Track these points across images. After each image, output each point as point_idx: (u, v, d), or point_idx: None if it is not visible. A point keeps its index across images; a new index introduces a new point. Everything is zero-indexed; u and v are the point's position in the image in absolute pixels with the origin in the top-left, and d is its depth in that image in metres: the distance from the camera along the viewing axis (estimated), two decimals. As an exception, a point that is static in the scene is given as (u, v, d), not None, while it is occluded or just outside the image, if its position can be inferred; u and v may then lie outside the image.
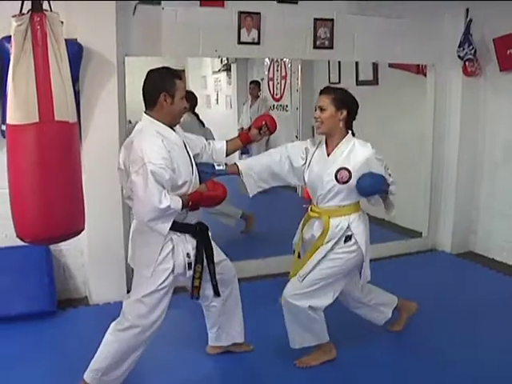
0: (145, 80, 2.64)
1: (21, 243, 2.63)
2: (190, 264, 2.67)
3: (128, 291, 3.15)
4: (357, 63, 6.26)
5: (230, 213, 5.48)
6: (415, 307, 3.47)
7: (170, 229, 2.55)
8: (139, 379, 2.89)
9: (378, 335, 3.40)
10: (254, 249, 5.14)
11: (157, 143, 2.50)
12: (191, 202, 2.60)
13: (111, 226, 3.79)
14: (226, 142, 3.02)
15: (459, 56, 4.77)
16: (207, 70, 9.54)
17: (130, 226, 2.84)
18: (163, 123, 2.62)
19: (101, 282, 3.93)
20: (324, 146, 2.99)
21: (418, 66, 5.32)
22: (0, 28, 2.83)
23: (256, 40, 4.30)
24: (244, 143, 3.04)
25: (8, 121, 2.41)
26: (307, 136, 7.70)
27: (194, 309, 3.12)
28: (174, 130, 2.68)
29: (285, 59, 7.90)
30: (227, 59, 8.72)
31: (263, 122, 2.98)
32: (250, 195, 3.04)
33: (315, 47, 4.51)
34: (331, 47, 4.55)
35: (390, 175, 2.90)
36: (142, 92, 2.65)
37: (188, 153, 2.71)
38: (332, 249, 2.90)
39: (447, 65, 4.99)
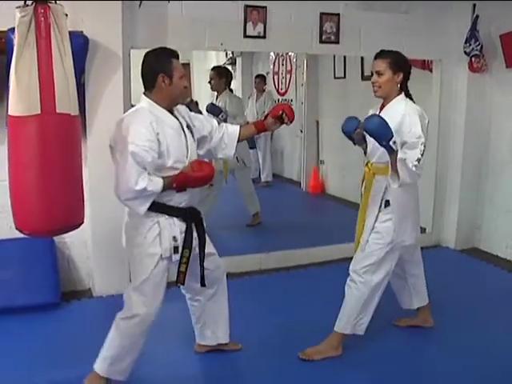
0: (142, 62, 2.61)
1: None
2: (176, 248, 2.62)
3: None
4: (362, 58, 6.24)
5: (255, 202, 5.70)
6: (430, 324, 3.46)
7: (157, 211, 2.54)
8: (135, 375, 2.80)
9: (383, 330, 3.39)
10: (259, 242, 5.15)
11: (145, 125, 2.48)
12: (176, 184, 2.55)
13: (115, 219, 3.77)
14: (240, 126, 2.99)
15: (465, 52, 4.74)
16: (212, 63, 9.52)
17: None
18: (161, 106, 2.59)
19: (105, 274, 3.94)
20: (378, 107, 3.05)
21: (424, 61, 5.30)
22: (7, 20, 2.82)
23: (262, 34, 4.28)
24: (259, 131, 3.00)
25: (10, 112, 2.41)
26: (312, 130, 7.75)
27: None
28: (172, 113, 2.64)
29: (290, 53, 7.88)
30: (232, 53, 8.71)
31: (280, 112, 2.89)
32: None
33: (321, 42, 4.50)
34: (337, 42, 4.54)
35: (421, 151, 2.75)
36: (140, 75, 2.63)
37: (185, 136, 2.66)
38: (377, 218, 2.98)
39: (453, 61, 4.96)
